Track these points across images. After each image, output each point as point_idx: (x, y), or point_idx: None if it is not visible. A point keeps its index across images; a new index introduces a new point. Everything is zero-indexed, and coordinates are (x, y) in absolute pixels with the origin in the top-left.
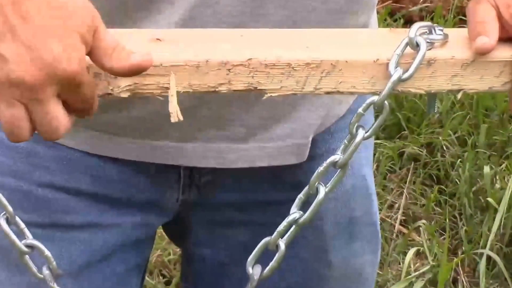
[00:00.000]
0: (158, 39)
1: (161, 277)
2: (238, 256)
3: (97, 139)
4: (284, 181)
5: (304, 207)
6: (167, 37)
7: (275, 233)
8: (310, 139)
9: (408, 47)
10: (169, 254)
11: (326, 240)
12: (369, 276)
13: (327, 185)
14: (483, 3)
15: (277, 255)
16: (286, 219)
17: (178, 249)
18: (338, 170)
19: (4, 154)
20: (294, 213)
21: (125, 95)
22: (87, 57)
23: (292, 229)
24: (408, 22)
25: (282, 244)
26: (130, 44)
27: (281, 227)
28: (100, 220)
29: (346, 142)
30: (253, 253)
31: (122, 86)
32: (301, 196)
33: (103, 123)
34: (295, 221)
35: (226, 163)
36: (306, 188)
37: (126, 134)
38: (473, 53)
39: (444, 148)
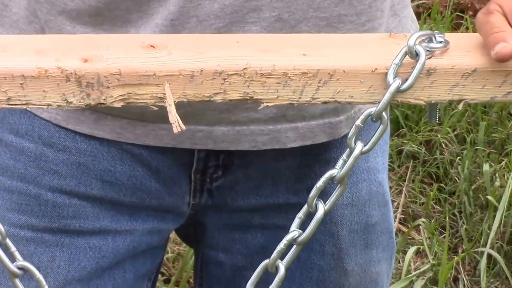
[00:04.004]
0: (151, 45)
1: (160, 275)
2: (256, 259)
3: (126, 126)
4: (302, 184)
5: (304, 225)
6: (161, 43)
7: (274, 253)
8: (342, 118)
9: (407, 56)
10: (168, 252)
11: (342, 247)
12: (384, 285)
13: (326, 202)
14: (495, 13)
15: (276, 278)
16: (285, 237)
17: (176, 247)
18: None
19: (14, 158)
20: (293, 231)
21: (118, 104)
22: (80, 67)
23: (292, 249)
24: None
25: (281, 266)
26: (124, 50)
27: (280, 245)
28: (110, 226)
29: (345, 158)
30: (253, 277)
31: (115, 96)
32: (300, 215)
33: (132, 111)
34: (294, 240)
35: (258, 145)
36: (305, 206)
37: (156, 120)
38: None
39: (443, 145)
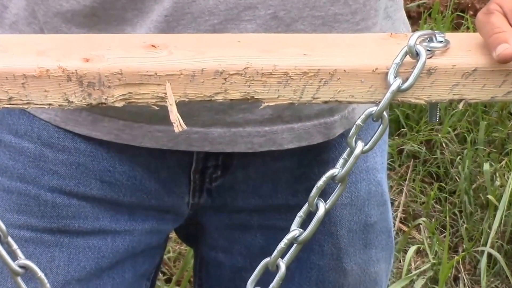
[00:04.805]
0: (153, 45)
1: (161, 275)
2: (255, 260)
3: (122, 128)
4: (301, 185)
5: (304, 225)
6: (162, 42)
7: (275, 252)
8: (337, 117)
9: (408, 55)
10: (169, 251)
11: (341, 247)
12: (383, 284)
13: (327, 202)
14: (496, 13)
15: (277, 276)
16: (285, 236)
17: (177, 247)
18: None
19: (13, 158)
20: (294, 230)
21: (119, 104)
22: (81, 67)
23: (293, 248)
24: None
25: (282, 264)
26: (125, 50)
27: (281, 244)
28: (109, 226)
29: (346, 157)
30: (253, 275)
31: (116, 96)
32: (301, 214)
33: (128, 112)
34: (295, 239)
35: (255, 147)
36: (306, 205)
37: (152, 122)
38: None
39: (444, 145)
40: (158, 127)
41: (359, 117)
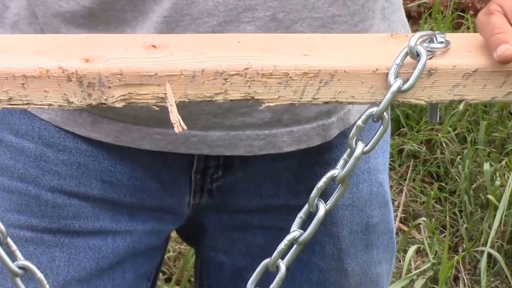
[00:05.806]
0: (153, 45)
1: (161, 274)
2: (256, 260)
3: (122, 130)
4: (303, 186)
5: (304, 226)
6: (163, 43)
7: (275, 253)
8: (334, 119)
9: (408, 56)
10: (169, 251)
11: (342, 247)
12: (384, 285)
13: (327, 203)
14: (496, 13)
15: (277, 277)
16: (286, 237)
17: (177, 246)
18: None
19: (13, 158)
20: (294, 231)
21: (119, 104)
22: (82, 67)
23: (293, 249)
24: (406, 18)
25: (282, 265)
26: (125, 50)
27: (281, 245)
28: (110, 226)
29: (346, 158)
30: (254, 275)
31: (116, 96)
32: (301, 215)
33: (127, 115)
34: (295, 240)
35: (254, 150)
36: (306, 206)
37: (151, 124)
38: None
39: (444, 145)
40: (157, 129)
41: (360, 118)
